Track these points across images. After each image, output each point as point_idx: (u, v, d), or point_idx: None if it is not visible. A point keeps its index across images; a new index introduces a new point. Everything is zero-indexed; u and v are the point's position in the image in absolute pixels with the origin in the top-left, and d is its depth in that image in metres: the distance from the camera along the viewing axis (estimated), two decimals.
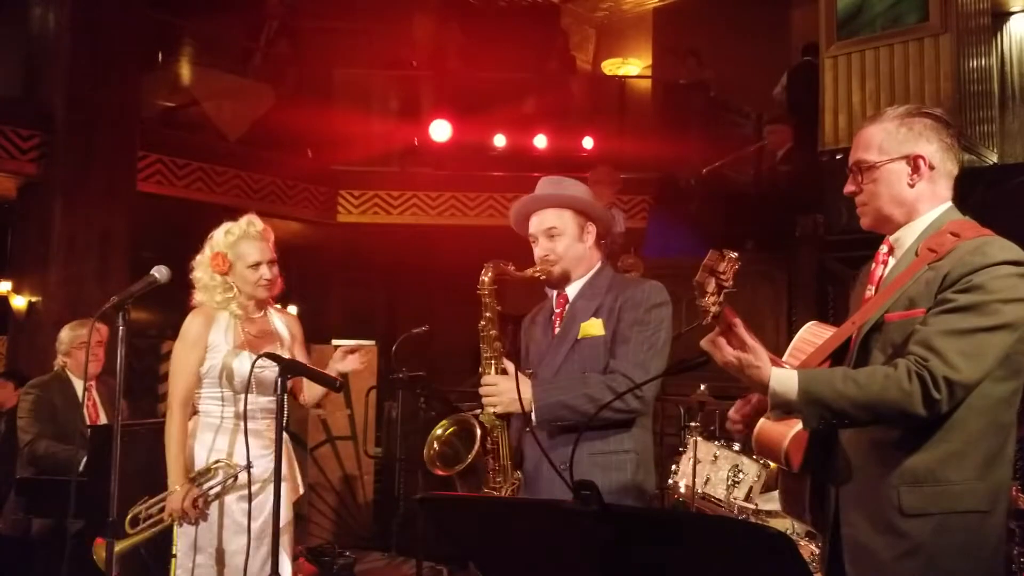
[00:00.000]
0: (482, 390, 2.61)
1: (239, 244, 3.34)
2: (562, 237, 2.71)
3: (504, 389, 2.57)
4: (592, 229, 2.77)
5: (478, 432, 2.61)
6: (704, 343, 1.94)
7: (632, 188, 9.14)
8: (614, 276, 2.80)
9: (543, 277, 2.71)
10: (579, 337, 2.67)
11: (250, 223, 3.38)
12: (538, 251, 2.74)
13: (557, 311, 2.79)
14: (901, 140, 2.06)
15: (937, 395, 1.86)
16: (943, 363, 1.87)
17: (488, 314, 2.64)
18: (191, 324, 3.34)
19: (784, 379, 1.93)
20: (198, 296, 3.38)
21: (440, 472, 2.67)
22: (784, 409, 1.94)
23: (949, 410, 1.91)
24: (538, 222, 2.75)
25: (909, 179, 2.06)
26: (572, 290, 2.77)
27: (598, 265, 2.79)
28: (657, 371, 2.57)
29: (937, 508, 1.93)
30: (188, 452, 3.23)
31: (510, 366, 2.62)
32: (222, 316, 3.34)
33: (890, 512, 1.96)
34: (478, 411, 2.68)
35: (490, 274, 2.64)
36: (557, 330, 2.74)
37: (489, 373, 2.62)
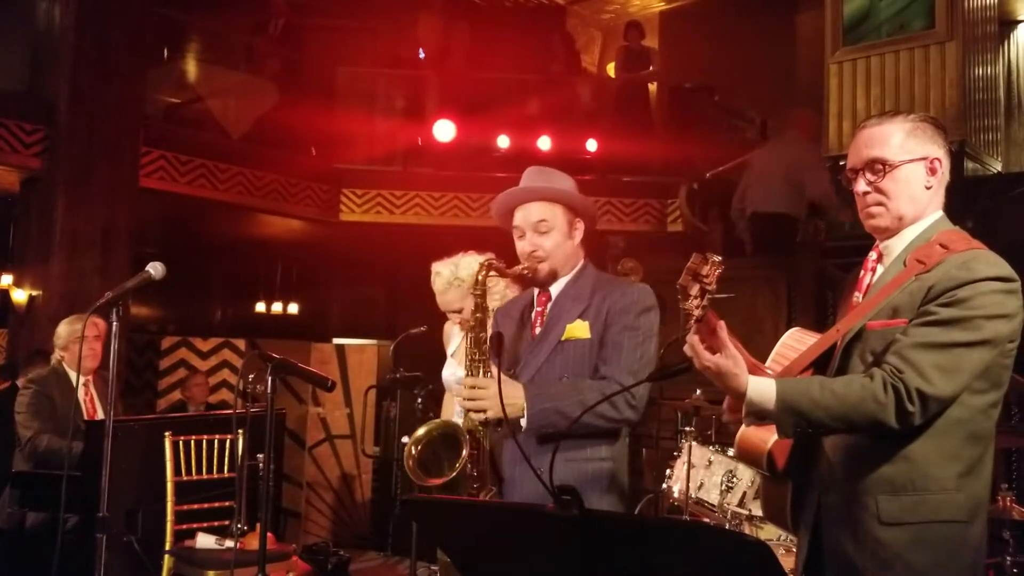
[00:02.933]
0: (467, 393, 2.50)
1: (447, 291, 3.40)
2: (552, 233, 2.59)
3: (493, 394, 2.41)
4: (580, 226, 2.66)
5: (464, 441, 2.49)
6: (686, 347, 1.92)
7: (634, 191, 9.14)
8: (598, 275, 2.69)
9: (529, 275, 2.60)
10: (563, 339, 2.55)
11: (462, 269, 3.38)
12: (525, 246, 2.61)
13: (538, 309, 2.67)
14: (920, 141, 2.06)
15: (911, 407, 1.85)
16: (917, 375, 1.86)
17: (479, 315, 2.54)
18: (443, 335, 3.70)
19: (761, 388, 1.92)
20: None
21: (427, 482, 2.55)
22: (758, 417, 1.93)
23: (927, 421, 1.89)
24: (526, 215, 2.61)
25: (926, 181, 2.06)
26: (556, 288, 2.65)
27: (582, 263, 2.68)
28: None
29: (915, 518, 1.93)
30: None
31: (495, 371, 2.50)
32: (455, 329, 3.59)
33: (868, 521, 1.95)
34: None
35: (483, 273, 2.54)
36: (538, 329, 2.63)
37: (477, 376, 2.51)
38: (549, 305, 2.66)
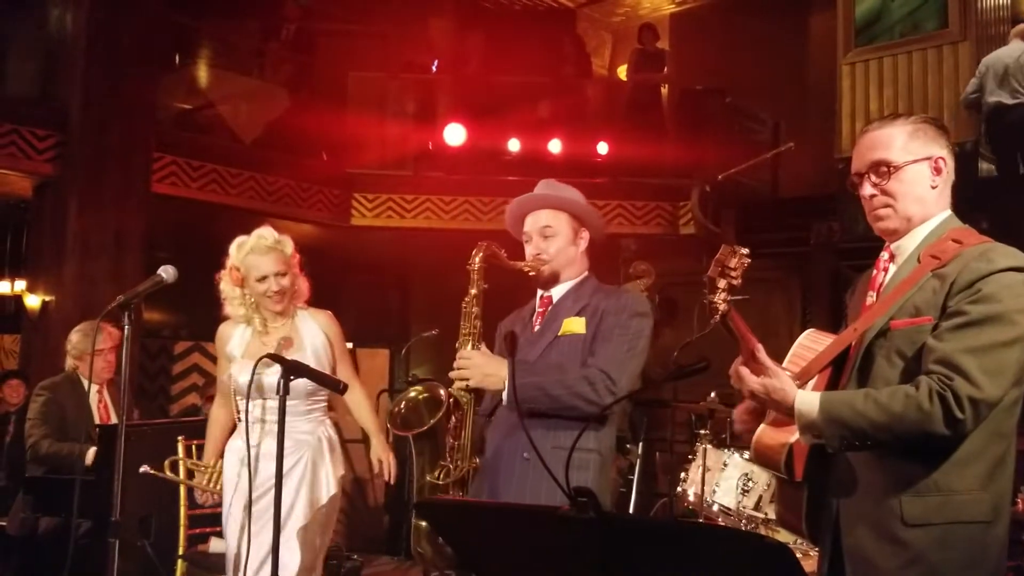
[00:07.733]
0: (456, 363, 2.61)
1: (248, 258, 3.38)
2: (556, 238, 2.74)
3: (478, 363, 2.58)
4: (585, 235, 2.81)
5: (443, 397, 2.58)
6: (731, 372, 1.98)
7: (646, 194, 9.11)
8: (599, 285, 2.82)
9: (532, 273, 2.73)
10: (560, 334, 2.67)
11: (259, 237, 3.41)
12: (531, 250, 2.77)
13: (540, 310, 2.81)
14: (923, 142, 2.07)
15: (961, 415, 1.84)
16: (967, 382, 1.85)
17: (474, 291, 2.65)
18: (216, 339, 3.54)
19: (808, 399, 1.94)
20: (226, 308, 3.48)
21: (398, 432, 2.66)
22: (812, 431, 1.94)
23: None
24: (533, 221, 2.78)
25: (931, 181, 2.07)
26: (557, 292, 2.79)
27: (585, 273, 2.83)
28: (633, 373, 2.61)
29: (939, 518, 1.91)
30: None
31: (484, 347, 2.64)
32: (239, 328, 3.47)
33: (892, 522, 1.94)
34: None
35: (481, 254, 2.66)
36: (537, 327, 2.75)
37: (465, 348, 2.62)
38: (550, 307, 2.79)
